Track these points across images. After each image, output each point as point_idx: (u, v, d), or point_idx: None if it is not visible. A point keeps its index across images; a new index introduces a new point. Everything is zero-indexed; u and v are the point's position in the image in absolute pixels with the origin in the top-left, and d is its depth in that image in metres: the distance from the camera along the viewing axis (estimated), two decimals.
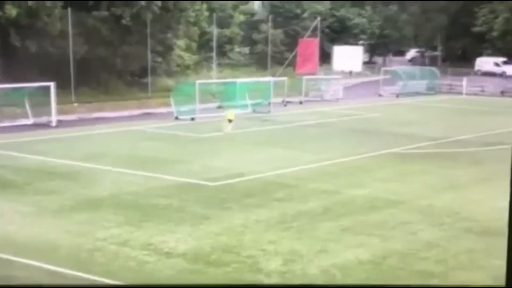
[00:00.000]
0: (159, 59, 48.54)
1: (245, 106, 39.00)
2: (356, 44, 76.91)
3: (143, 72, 46.71)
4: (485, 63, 69.54)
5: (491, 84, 56.98)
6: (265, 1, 77.51)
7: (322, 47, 65.23)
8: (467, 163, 24.79)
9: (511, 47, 70.26)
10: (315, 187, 20.18)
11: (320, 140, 29.96)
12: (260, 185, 20.50)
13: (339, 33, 78.44)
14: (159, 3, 43.65)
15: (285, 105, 43.59)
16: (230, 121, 31.86)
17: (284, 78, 46.12)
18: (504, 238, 14.64)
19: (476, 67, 69.28)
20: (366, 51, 79.74)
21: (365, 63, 75.74)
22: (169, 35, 48.47)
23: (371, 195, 19.32)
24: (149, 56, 45.40)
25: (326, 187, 20.23)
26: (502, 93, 54.72)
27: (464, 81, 55.72)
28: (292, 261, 13.57)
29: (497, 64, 68.73)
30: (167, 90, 42.29)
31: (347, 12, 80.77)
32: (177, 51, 51.56)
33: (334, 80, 52.39)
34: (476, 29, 72.12)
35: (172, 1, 45.46)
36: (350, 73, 66.86)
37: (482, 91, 55.61)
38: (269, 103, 40.41)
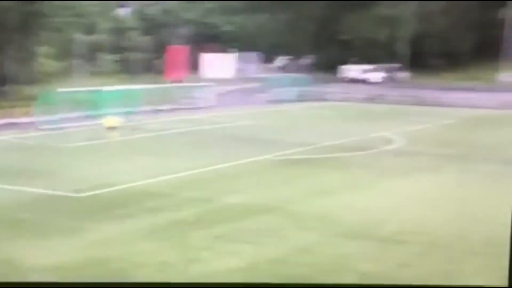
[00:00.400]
0: (21, 67, 46.77)
1: (114, 114, 38.29)
2: (227, 51, 77.61)
3: (4, 80, 44.82)
4: (351, 70, 72.30)
5: (357, 91, 59.25)
6: (134, 8, 76.67)
7: (193, 54, 65.34)
8: (336, 168, 25.53)
9: (376, 54, 73.49)
10: (188, 196, 20.12)
11: (193, 148, 29.94)
12: (131, 195, 20.19)
13: (209, 40, 78.84)
14: (22, 7, 42.12)
15: (156, 113, 43.24)
16: (110, 128, 31.34)
17: (155, 86, 45.78)
18: (372, 242, 15.19)
19: (343, 74, 71.86)
20: (238, 58, 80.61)
21: (237, 70, 76.51)
22: (31, 41, 46.83)
23: (244, 202, 19.49)
24: (9, 63, 43.62)
25: (198, 195, 20.22)
26: (368, 100, 56.96)
27: (333, 88, 57.59)
28: (162, 271, 13.45)
29: (363, 71, 71.64)
30: (31, 99, 40.82)
31: (218, 19, 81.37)
32: (40, 58, 49.91)
33: (206, 87, 52.55)
34: (343, 37, 74.92)
35: (35, 7, 44.01)
36: (223, 80, 67.28)
37: (349, 97, 57.66)
38: (139, 111, 39.92)
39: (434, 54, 70.38)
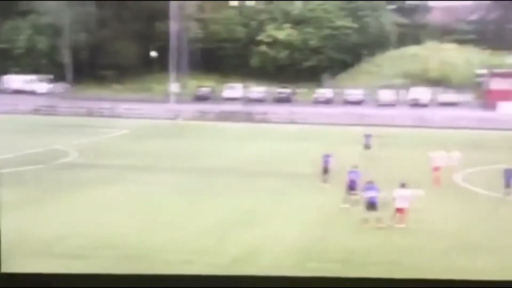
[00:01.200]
0: None
1: None
2: None
3: None
4: (14, 80, 69.71)
5: (23, 102, 57.51)
6: None
7: None
8: (10, 185, 24.16)
9: (38, 64, 71.86)
10: None
11: None
12: None
13: None
14: None
15: None
16: None
17: None
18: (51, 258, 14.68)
19: (5, 85, 69.08)
20: None
21: None
22: None
23: None
24: None
25: None
26: (35, 111, 55.68)
27: None
28: None
29: (27, 82, 69.53)
30: None
31: None
32: None
33: None
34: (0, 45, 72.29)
35: None
36: None
37: (15, 109, 55.75)
38: None
39: (102, 65, 70.81)
